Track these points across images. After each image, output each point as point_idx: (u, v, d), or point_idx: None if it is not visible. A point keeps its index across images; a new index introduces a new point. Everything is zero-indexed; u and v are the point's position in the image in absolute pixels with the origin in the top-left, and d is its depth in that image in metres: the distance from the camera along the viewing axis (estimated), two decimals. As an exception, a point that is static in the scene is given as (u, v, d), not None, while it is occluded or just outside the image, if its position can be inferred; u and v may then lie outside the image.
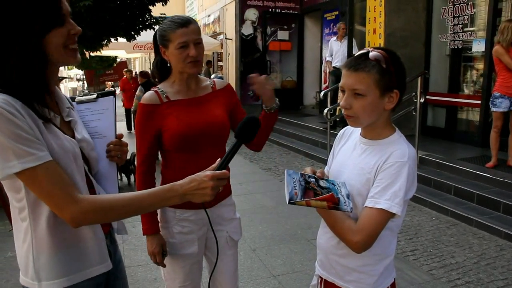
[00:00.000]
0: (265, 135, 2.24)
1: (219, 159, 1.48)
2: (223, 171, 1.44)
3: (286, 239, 4.53)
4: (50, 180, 1.29)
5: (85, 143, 1.54)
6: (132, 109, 9.53)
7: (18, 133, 1.24)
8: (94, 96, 1.73)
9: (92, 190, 1.55)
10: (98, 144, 1.65)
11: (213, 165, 1.47)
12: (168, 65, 2.14)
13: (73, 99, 1.70)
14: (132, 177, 7.02)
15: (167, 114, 2.10)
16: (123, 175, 7.04)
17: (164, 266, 2.20)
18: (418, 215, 5.28)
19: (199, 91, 2.19)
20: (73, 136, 1.49)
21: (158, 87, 2.17)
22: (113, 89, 18.72)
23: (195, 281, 2.28)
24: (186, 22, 2.03)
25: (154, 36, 2.16)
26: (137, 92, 9.05)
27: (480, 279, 3.72)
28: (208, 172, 1.42)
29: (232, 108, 2.26)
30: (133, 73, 15.18)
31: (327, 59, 9.77)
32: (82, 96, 1.74)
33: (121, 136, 1.72)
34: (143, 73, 9.73)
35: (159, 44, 2.11)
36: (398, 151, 1.53)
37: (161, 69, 2.18)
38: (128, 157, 7.81)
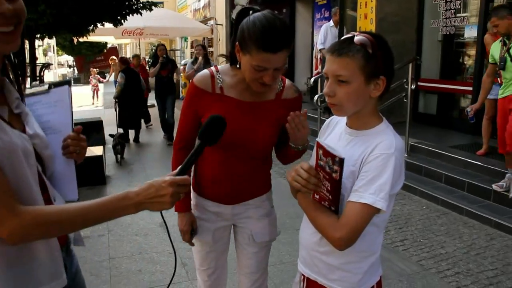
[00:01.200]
0: (295, 159, 2.05)
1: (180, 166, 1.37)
2: (184, 176, 1.32)
3: (274, 228, 4.44)
4: None
5: (38, 139, 1.34)
6: (114, 95, 9.24)
7: None
8: (46, 87, 1.55)
9: (45, 195, 1.34)
10: (53, 141, 1.46)
11: (174, 171, 1.35)
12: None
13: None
14: (119, 157, 7.49)
15: (212, 107, 1.90)
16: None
17: (192, 245, 2.16)
18: (408, 203, 5.22)
19: (259, 94, 1.92)
20: (24, 131, 1.30)
21: (219, 71, 1.95)
22: (99, 79, 18.29)
23: (212, 268, 2.20)
24: (277, 48, 1.68)
25: (237, 19, 1.86)
26: (118, 79, 9.03)
27: (470, 269, 3.66)
28: (167, 177, 1.29)
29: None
30: (142, 59, 14.85)
31: (319, 47, 9.39)
32: (31, 87, 1.56)
33: (79, 129, 1.54)
34: (123, 60, 9.56)
35: (237, 38, 1.80)
36: (385, 142, 1.43)
37: (232, 55, 1.92)
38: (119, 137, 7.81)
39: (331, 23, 8.95)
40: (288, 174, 1.53)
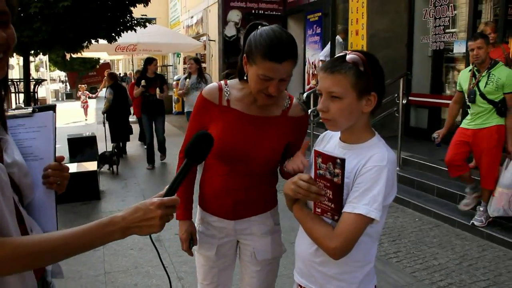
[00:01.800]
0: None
1: (167, 186, 1.31)
2: (173, 197, 1.26)
3: (269, 242, 4.46)
4: None
5: (17, 167, 1.25)
6: (102, 110, 9.21)
7: None
8: (30, 110, 1.47)
9: (22, 226, 1.23)
10: (33, 168, 1.37)
11: (161, 192, 1.28)
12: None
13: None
14: (115, 167, 7.71)
15: (217, 118, 1.95)
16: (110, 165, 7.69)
17: (190, 254, 2.16)
18: (401, 216, 5.27)
19: (267, 109, 1.94)
20: (1, 159, 1.21)
21: (227, 84, 1.99)
22: (88, 95, 18.13)
23: (215, 283, 2.18)
24: (282, 58, 1.72)
25: (247, 33, 1.89)
26: (107, 94, 8.99)
27: (463, 280, 3.71)
28: (155, 199, 1.22)
29: (290, 142, 1.99)
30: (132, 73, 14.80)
31: (321, 58, 9.41)
32: (14, 109, 1.47)
33: (61, 159, 1.45)
34: (111, 75, 9.50)
35: (245, 50, 1.84)
36: (377, 155, 1.49)
37: (240, 71, 1.95)
38: (110, 149, 7.92)
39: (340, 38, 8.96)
40: (285, 187, 1.58)
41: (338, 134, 1.66)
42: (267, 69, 1.74)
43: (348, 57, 1.48)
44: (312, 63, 11.14)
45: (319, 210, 1.55)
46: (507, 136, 4.40)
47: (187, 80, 8.11)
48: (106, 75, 9.83)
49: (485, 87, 4.40)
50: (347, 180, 1.48)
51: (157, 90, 7.99)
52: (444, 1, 7.22)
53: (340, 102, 1.49)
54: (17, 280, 1.19)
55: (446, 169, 5.75)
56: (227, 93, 1.96)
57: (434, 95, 7.66)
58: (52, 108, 1.48)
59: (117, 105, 8.91)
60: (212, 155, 1.90)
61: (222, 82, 2.01)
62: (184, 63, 17.41)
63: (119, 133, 9.12)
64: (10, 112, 1.41)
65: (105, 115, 9.06)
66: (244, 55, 1.84)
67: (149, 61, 8.17)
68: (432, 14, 7.46)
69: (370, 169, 1.47)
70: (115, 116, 9.00)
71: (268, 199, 2.12)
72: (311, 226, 1.55)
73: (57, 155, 1.47)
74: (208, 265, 2.15)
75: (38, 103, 14.26)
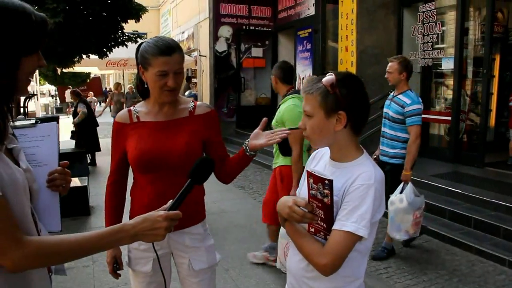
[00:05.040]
0: (238, 172, 2.20)
1: (171, 200, 1.46)
2: (177, 211, 1.42)
3: (260, 258, 4.47)
4: None
5: (29, 173, 1.39)
6: (74, 121, 9.62)
7: None
8: (33, 121, 1.64)
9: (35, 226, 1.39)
10: (37, 173, 1.51)
11: (165, 205, 1.44)
12: (146, 85, 2.08)
13: None
14: None
15: (131, 134, 2.09)
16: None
17: (115, 277, 2.23)
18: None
19: (173, 113, 2.11)
20: (18, 165, 1.34)
21: (135, 106, 2.16)
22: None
23: None
24: (170, 50, 1.94)
25: (137, 51, 2.08)
26: (82, 109, 9.34)
27: (453, 296, 3.72)
28: (161, 212, 1.39)
29: (207, 138, 2.15)
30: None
31: None
32: (17, 120, 1.63)
33: (65, 164, 1.62)
34: (75, 92, 9.85)
35: (139, 62, 2.04)
36: (365, 174, 1.53)
37: (141, 89, 2.14)
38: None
39: None
40: (279, 207, 1.63)
41: (328, 152, 1.70)
42: (161, 64, 1.94)
43: (324, 79, 1.56)
44: (303, 78, 11.21)
45: (312, 230, 1.59)
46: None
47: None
48: (70, 93, 10.23)
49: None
50: (336, 198, 1.51)
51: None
52: (432, 18, 7.34)
53: (311, 120, 1.60)
54: (36, 276, 1.34)
55: (435, 184, 5.83)
56: (135, 112, 2.13)
57: (423, 111, 7.71)
58: (56, 119, 1.62)
59: (89, 118, 9.48)
60: (136, 168, 2.09)
61: (131, 107, 2.19)
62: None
63: (93, 144, 9.64)
64: (14, 124, 1.56)
65: (76, 127, 9.57)
66: (139, 65, 2.03)
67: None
68: (421, 31, 7.58)
69: (358, 188, 1.51)
70: (88, 128, 9.51)
71: (198, 209, 2.21)
72: (302, 242, 1.59)
73: None
74: (146, 281, 2.20)
75: (27, 117, 14.19)
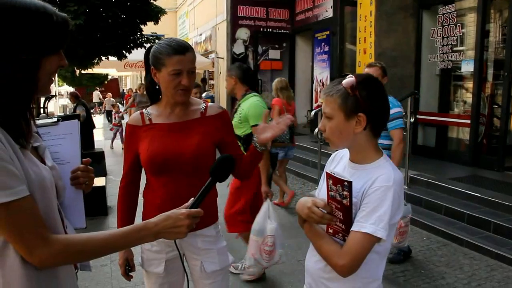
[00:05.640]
0: (252, 168, 2.21)
1: (192, 198, 1.48)
2: (198, 209, 1.44)
3: (276, 259, 4.46)
4: (23, 218, 1.17)
5: (55, 171, 1.41)
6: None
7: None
8: (55, 119, 1.65)
9: (62, 223, 1.41)
10: (62, 171, 1.51)
11: (187, 203, 1.46)
12: (157, 87, 2.11)
13: None
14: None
15: (143, 137, 2.11)
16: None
17: (127, 279, 2.25)
18: (409, 235, 5.23)
19: (185, 115, 2.13)
20: (43, 163, 1.36)
21: (147, 109, 2.18)
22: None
23: None
24: (184, 49, 1.98)
25: (146, 54, 2.11)
26: (81, 112, 9.36)
27: (471, 301, 3.68)
28: (183, 210, 1.41)
29: (221, 139, 2.16)
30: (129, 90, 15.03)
31: None
32: (40, 119, 1.64)
33: (88, 161, 1.63)
34: (73, 95, 9.94)
35: (151, 64, 2.06)
36: (384, 176, 1.54)
37: (151, 92, 2.16)
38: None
39: None
40: (299, 207, 1.64)
41: (347, 154, 1.72)
42: (175, 63, 1.96)
43: (344, 81, 1.58)
44: (320, 80, 11.20)
45: (331, 230, 1.60)
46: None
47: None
48: (69, 95, 10.35)
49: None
50: (355, 200, 1.52)
51: None
52: (452, 20, 7.27)
53: (331, 122, 1.61)
54: (63, 272, 1.36)
55: (454, 187, 5.77)
56: (147, 114, 2.15)
57: (442, 114, 7.67)
58: (77, 117, 1.66)
59: (87, 119, 9.57)
60: (148, 170, 2.11)
61: (144, 109, 2.21)
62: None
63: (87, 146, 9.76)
64: (37, 122, 1.56)
65: None
66: (152, 67, 2.05)
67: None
68: (440, 33, 7.52)
69: (377, 190, 1.52)
70: (84, 130, 9.37)
71: (210, 211, 2.19)
72: (321, 243, 1.60)
73: None
74: (158, 283, 2.21)
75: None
